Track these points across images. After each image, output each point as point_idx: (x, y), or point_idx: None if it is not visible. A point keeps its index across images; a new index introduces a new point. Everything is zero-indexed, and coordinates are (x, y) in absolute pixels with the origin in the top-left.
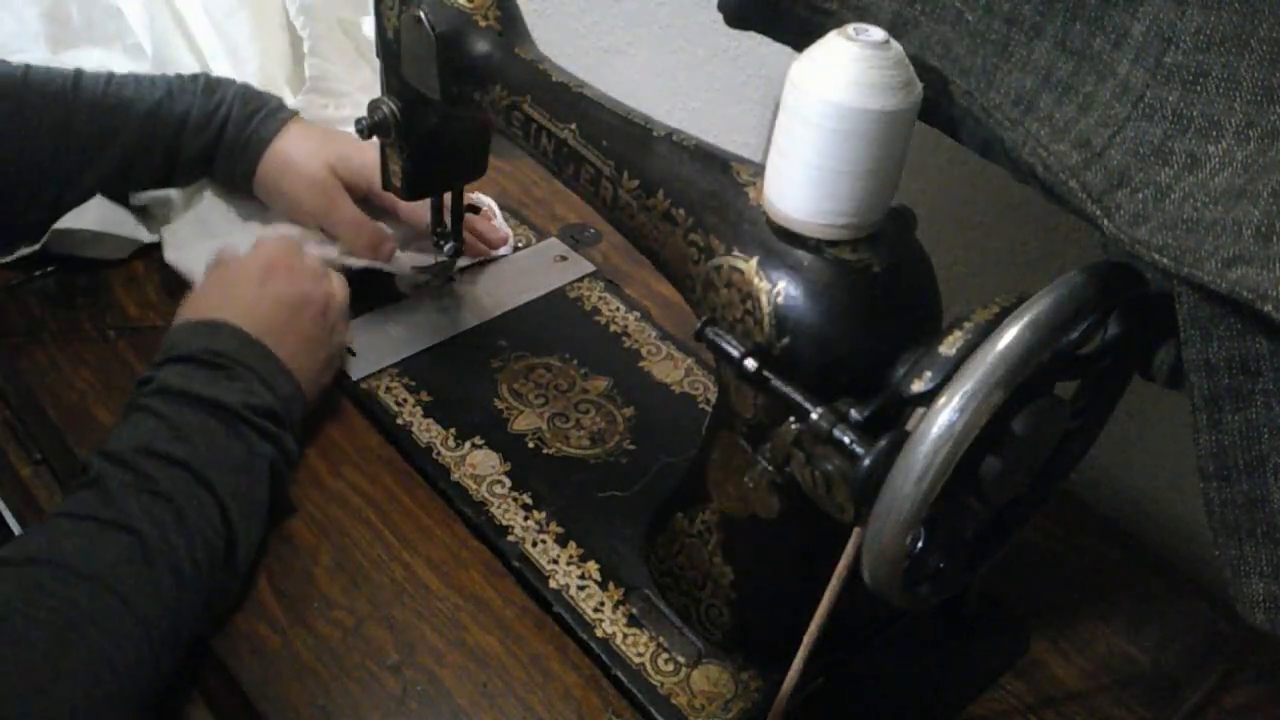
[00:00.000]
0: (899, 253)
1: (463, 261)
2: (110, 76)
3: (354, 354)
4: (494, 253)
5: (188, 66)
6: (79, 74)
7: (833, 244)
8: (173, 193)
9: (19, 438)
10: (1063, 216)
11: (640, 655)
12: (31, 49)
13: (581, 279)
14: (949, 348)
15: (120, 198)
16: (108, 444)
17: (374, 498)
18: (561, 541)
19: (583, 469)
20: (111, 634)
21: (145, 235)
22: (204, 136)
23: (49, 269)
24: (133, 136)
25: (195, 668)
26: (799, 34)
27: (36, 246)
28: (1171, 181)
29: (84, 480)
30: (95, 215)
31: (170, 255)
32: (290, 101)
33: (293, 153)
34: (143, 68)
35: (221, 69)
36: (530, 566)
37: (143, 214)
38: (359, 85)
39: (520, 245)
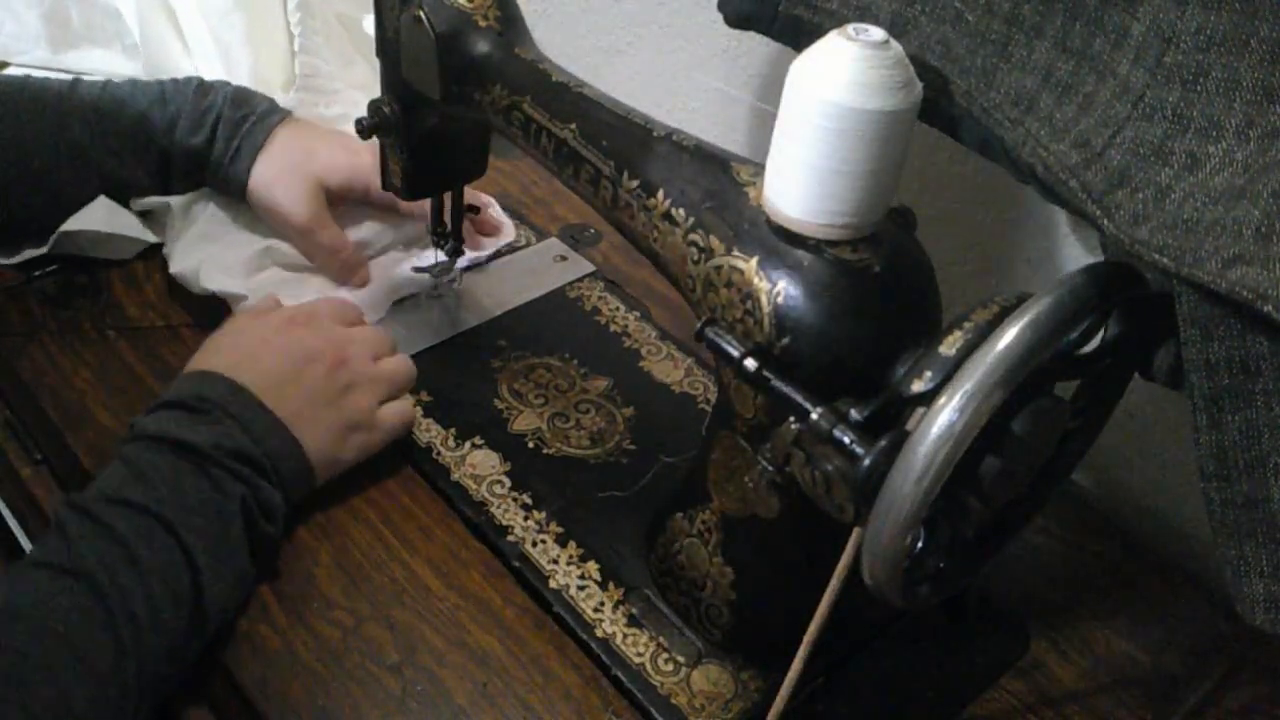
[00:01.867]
0: (899, 253)
1: (463, 261)
2: (107, 82)
3: None
4: (494, 243)
5: (181, 69)
6: (76, 81)
7: (833, 244)
8: (172, 201)
9: (19, 438)
10: (1063, 216)
11: (640, 655)
12: (32, 50)
13: (581, 279)
14: (949, 348)
15: (122, 202)
16: (76, 495)
17: (374, 498)
18: (561, 541)
19: (583, 469)
20: (60, 683)
21: (150, 236)
22: (196, 139)
23: (49, 269)
24: (126, 138)
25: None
26: (799, 34)
27: (44, 249)
28: (1171, 181)
29: (50, 529)
30: (102, 216)
31: (175, 268)
32: (282, 101)
33: (279, 165)
34: (141, 68)
35: (214, 71)
36: (530, 566)
37: (147, 217)
38: (354, 83)
39: (520, 245)
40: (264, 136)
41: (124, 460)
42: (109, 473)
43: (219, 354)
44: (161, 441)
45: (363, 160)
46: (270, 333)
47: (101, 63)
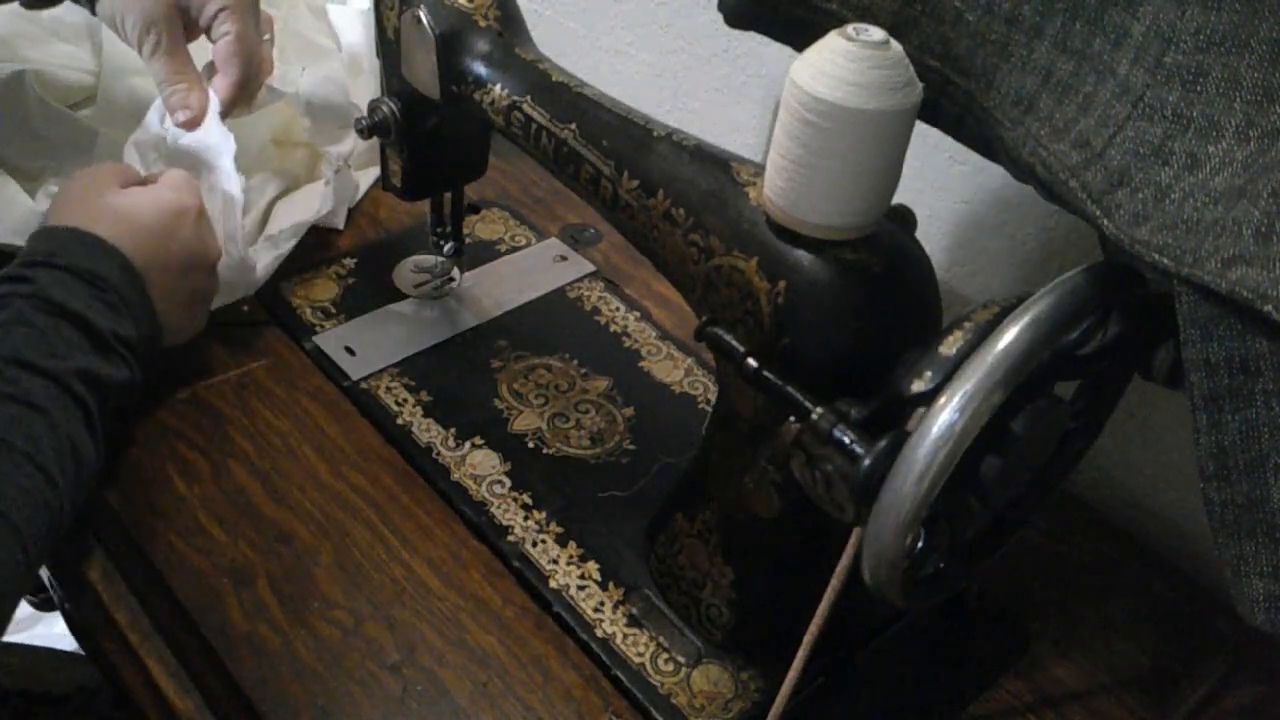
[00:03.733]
0: (899, 253)
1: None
2: None
3: (354, 354)
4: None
5: None
6: None
7: (833, 244)
8: None
9: None
10: (1063, 216)
11: (640, 655)
12: None
13: (581, 279)
14: (949, 348)
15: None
16: None
17: (374, 498)
18: (561, 541)
19: (583, 469)
20: None
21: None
22: None
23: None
24: None
25: (195, 667)
26: (799, 34)
27: None
28: (1171, 181)
29: None
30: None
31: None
32: None
33: None
34: None
35: None
36: (530, 566)
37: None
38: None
39: (520, 245)
40: None
41: (22, 318)
42: (7, 324)
43: (116, 220)
44: (63, 311)
45: None
46: (172, 220)
47: None
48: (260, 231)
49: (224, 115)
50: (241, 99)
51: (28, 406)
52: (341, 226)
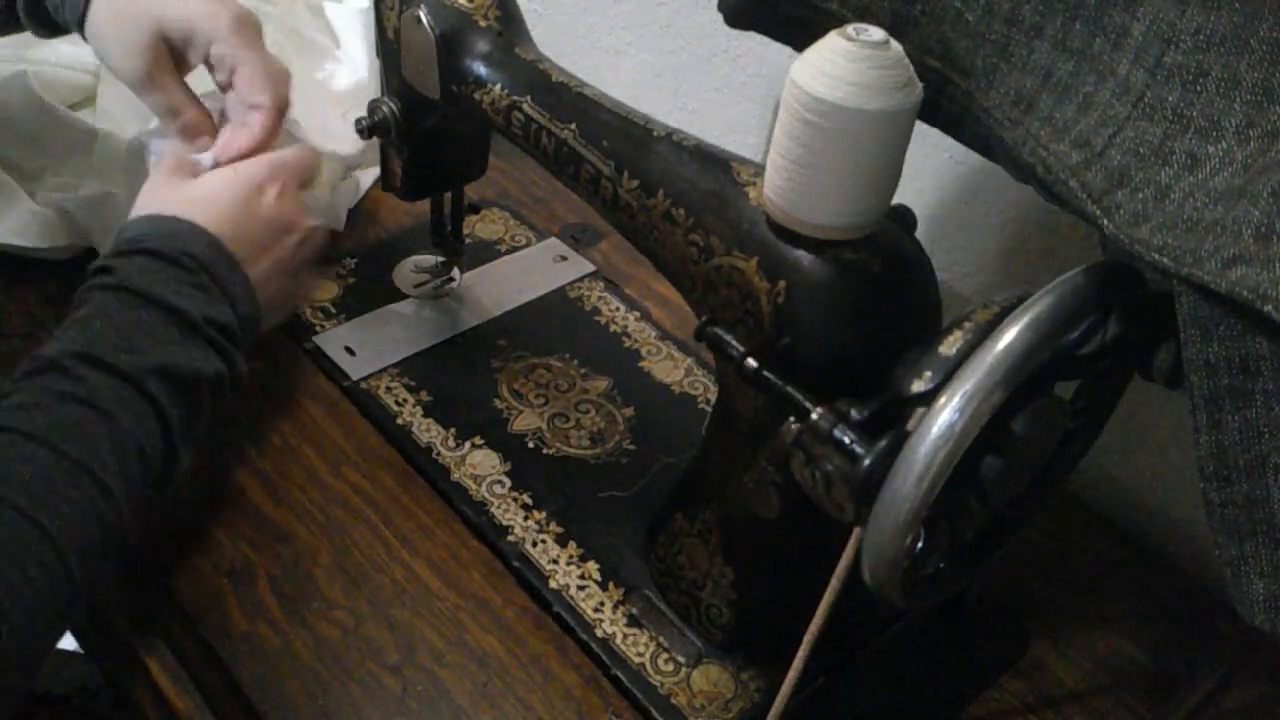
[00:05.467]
0: (899, 253)
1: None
2: None
3: (354, 354)
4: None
5: None
6: None
7: (833, 244)
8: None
9: None
10: (1063, 216)
11: (640, 655)
12: None
13: (581, 279)
14: (949, 348)
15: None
16: (52, 342)
17: (374, 498)
18: (561, 541)
19: (583, 469)
20: (17, 557)
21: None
22: None
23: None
24: None
25: (195, 667)
26: (799, 34)
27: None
28: (1171, 181)
29: (27, 371)
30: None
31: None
32: None
33: (113, 7)
34: None
35: None
36: (530, 566)
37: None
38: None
39: (520, 245)
40: None
41: (101, 310)
42: (84, 319)
43: (197, 203)
44: (149, 300)
45: (216, 8)
46: (252, 194)
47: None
48: None
49: (267, 145)
50: (272, 134)
51: (90, 408)
52: (341, 228)
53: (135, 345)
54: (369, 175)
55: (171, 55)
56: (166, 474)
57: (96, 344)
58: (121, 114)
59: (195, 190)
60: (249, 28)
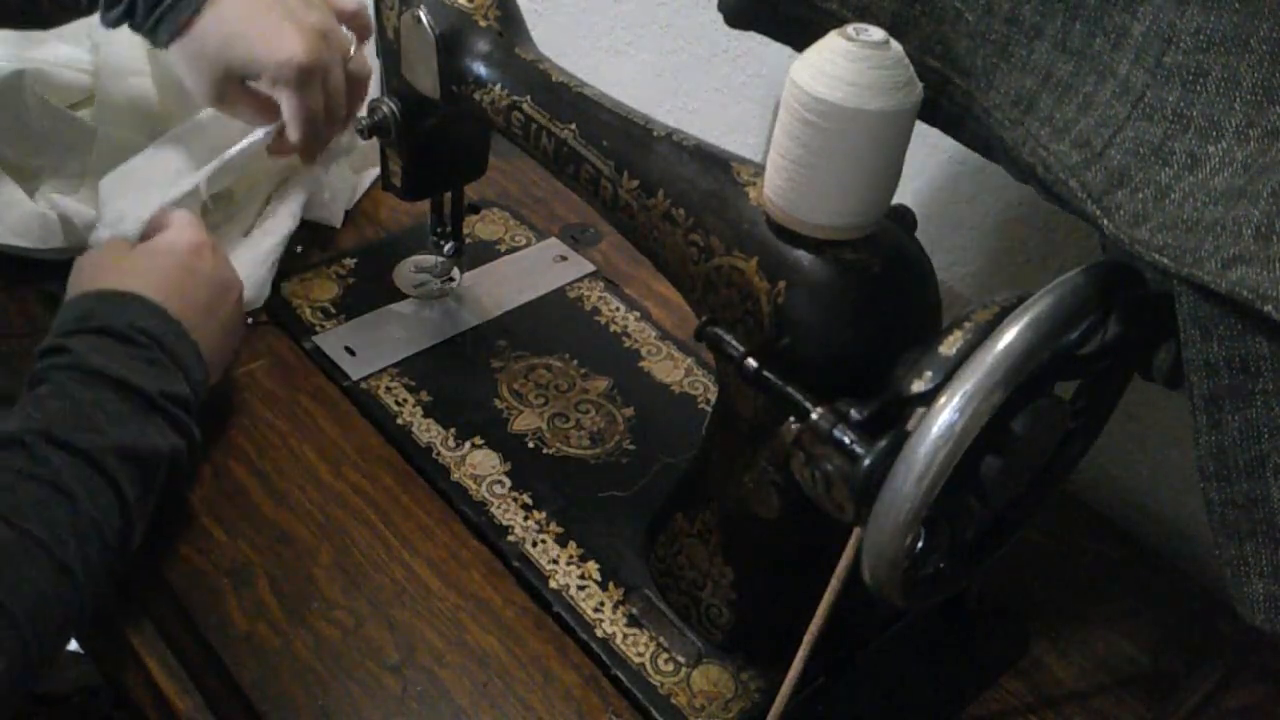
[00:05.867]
0: (899, 253)
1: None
2: None
3: (354, 354)
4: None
5: None
6: None
7: (833, 244)
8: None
9: None
10: (1063, 216)
11: (640, 655)
12: None
13: (581, 279)
14: (949, 348)
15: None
16: (12, 421)
17: (374, 498)
18: (561, 541)
19: (583, 469)
20: None
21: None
22: (114, 11)
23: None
24: None
25: (195, 667)
26: (799, 34)
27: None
28: (1171, 181)
29: None
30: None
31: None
32: None
33: (192, 50)
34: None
35: None
36: (530, 566)
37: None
38: None
39: (520, 245)
40: (186, 15)
41: (60, 390)
42: (43, 398)
43: (137, 275)
44: (103, 378)
45: (286, 55)
46: (191, 258)
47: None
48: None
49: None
50: (305, 158)
51: (53, 489)
52: (338, 224)
53: (95, 425)
54: (369, 175)
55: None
56: (122, 549)
57: (58, 423)
58: (121, 114)
59: (139, 261)
60: (310, 74)
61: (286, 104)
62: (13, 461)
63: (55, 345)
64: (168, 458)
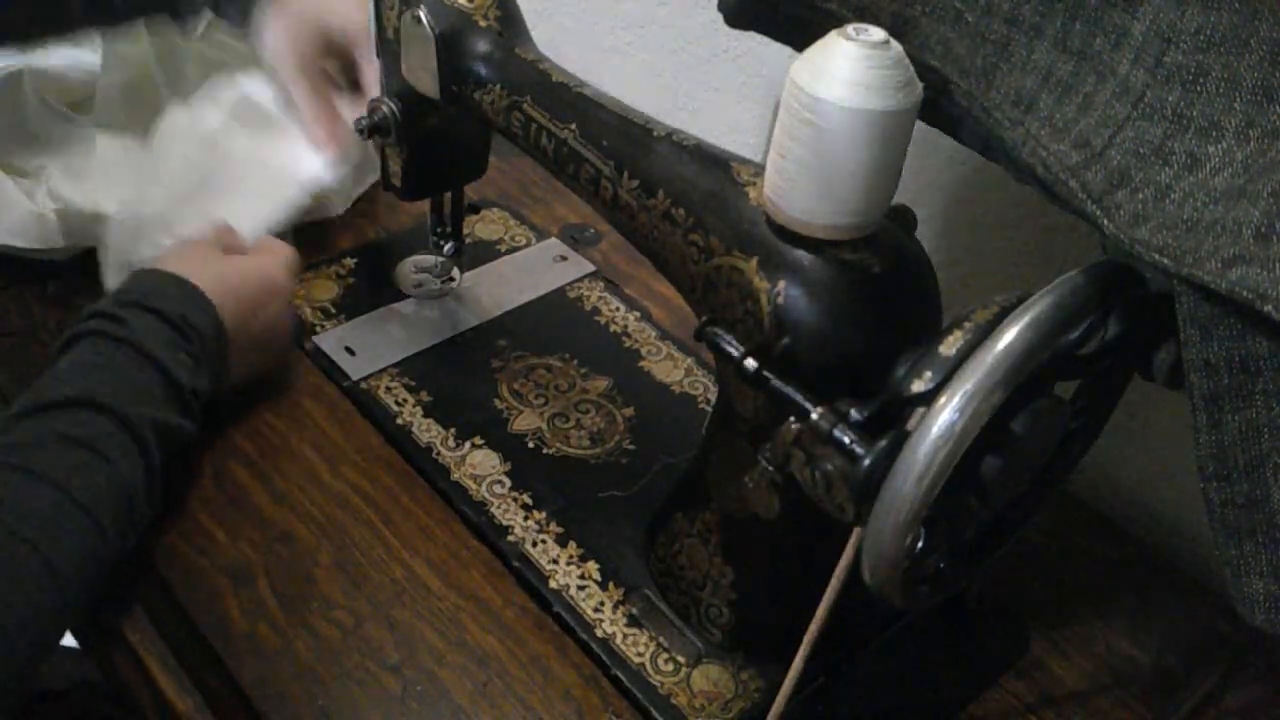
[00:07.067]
0: (899, 253)
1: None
2: None
3: (354, 354)
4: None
5: None
6: None
7: (833, 244)
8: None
9: None
10: (1063, 216)
11: (640, 655)
12: None
13: (581, 279)
14: (949, 348)
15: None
16: (53, 381)
17: (374, 498)
18: (561, 541)
19: (583, 469)
20: (19, 583)
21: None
22: None
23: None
24: None
25: (195, 667)
26: (799, 34)
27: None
28: (1171, 181)
29: (30, 407)
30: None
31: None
32: None
33: (281, 26)
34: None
35: None
36: (530, 566)
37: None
38: None
39: (520, 245)
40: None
41: (111, 361)
42: (95, 365)
43: (199, 269)
44: (149, 360)
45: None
46: (261, 295)
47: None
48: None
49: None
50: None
51: (95, 453)
52: (339, 213)
53: (137, 397)
54: (368, 176)
55: (329, 50)
56: (141, 523)
57: (102, 390)
58: (121, 114)
59: (225, 269)
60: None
61: (370, 73)
62: (57, 425)
63: (113, 312)
64: (185, 441)
